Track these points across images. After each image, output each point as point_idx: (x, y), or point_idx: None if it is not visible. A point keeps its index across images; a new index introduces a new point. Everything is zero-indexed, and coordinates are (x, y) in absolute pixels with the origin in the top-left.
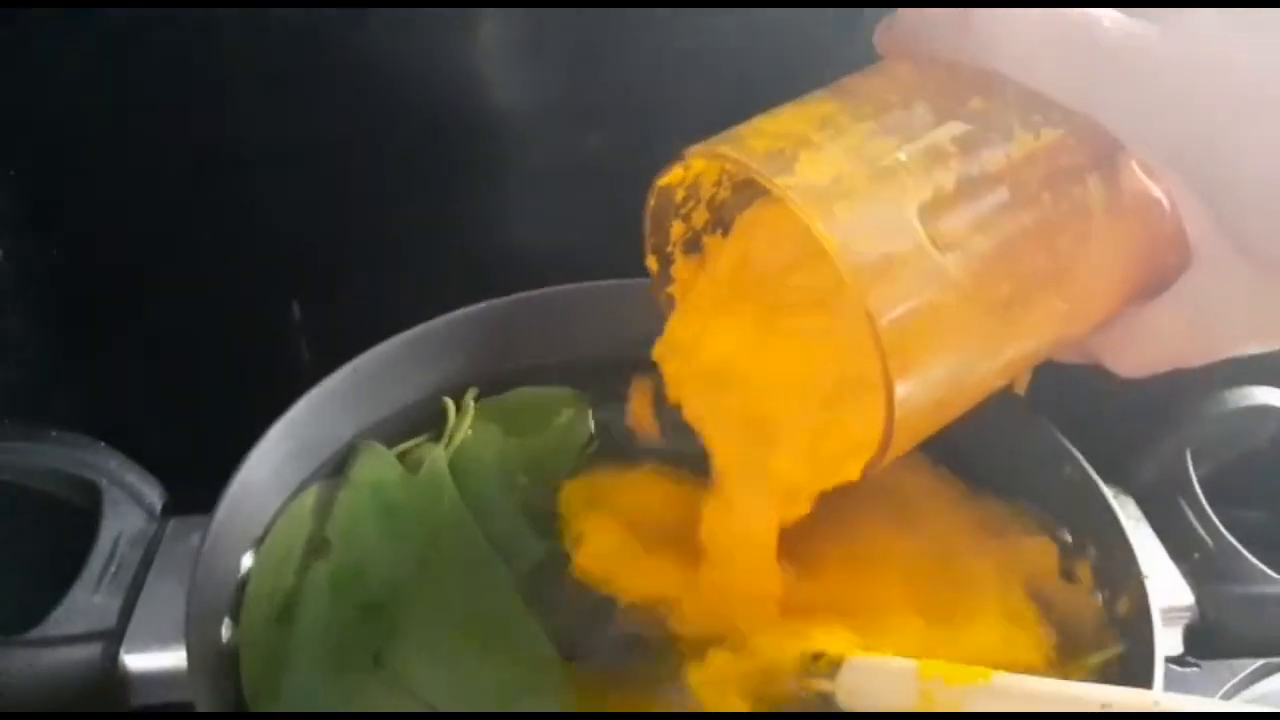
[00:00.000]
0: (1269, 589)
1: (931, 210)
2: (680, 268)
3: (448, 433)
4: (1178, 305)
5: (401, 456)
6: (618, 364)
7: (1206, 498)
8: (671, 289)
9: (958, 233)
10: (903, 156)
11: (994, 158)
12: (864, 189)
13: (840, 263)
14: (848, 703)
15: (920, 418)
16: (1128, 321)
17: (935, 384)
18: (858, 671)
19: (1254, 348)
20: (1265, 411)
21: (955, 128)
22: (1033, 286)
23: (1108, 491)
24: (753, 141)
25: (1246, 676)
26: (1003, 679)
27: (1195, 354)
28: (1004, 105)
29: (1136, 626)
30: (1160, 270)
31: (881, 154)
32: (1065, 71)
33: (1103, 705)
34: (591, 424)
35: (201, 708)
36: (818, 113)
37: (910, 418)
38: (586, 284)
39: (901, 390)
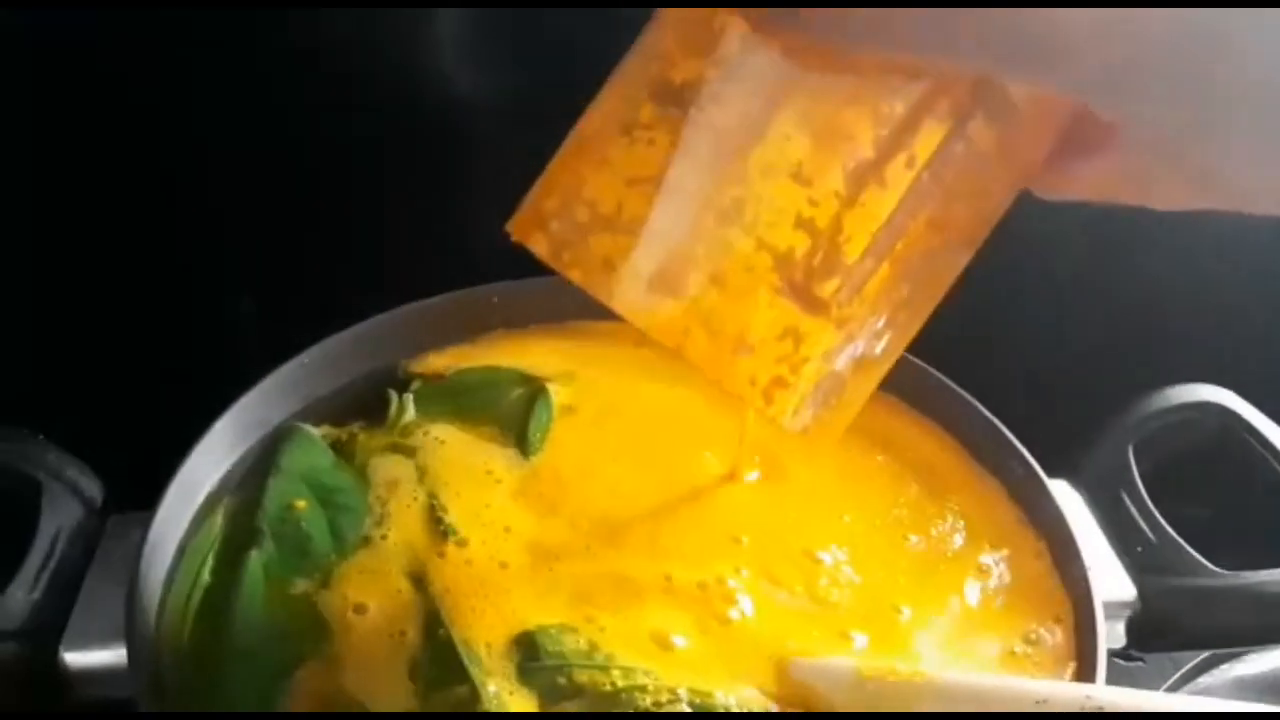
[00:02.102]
0: (1211, 582)
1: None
2: None
3: (390, 419)
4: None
5: (334, 444)
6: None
7: (1150, 493)
8: None
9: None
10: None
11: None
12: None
13: (735, 388)
14: (801, 703)
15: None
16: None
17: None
18: (802, 670)
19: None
20: (1207, 408)
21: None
22: (933, 265)
23: (1053, 486)
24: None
25: (1190, 670)
26: (940, 676)
27: (1125, 195)
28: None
29: (1080, 619)
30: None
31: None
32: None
33: (1037, 702)
34: (554, 402)
35: (143, 707)
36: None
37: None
38: (536, 279)
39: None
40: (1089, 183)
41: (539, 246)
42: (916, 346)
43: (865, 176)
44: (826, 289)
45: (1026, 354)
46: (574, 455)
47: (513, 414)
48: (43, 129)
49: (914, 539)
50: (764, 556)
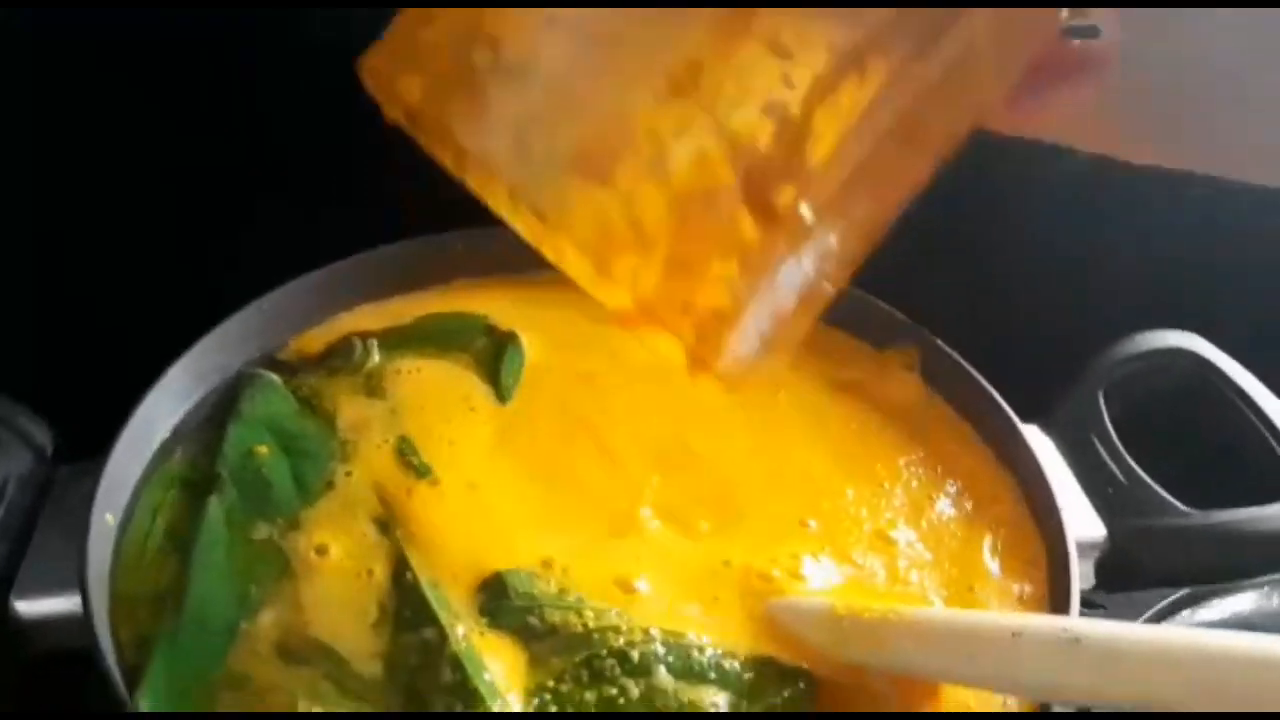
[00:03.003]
0: (1181, 521)
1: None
2: None
3: (355, 363)
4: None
5: (295, 390)
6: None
7: (1120, 438)
8: None
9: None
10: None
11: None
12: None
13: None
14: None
15: None
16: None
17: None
18: (777, 610)
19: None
20: (1177, 353)
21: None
22: (891, 182)
23: (1026, 430)
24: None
25: (1152, 616)
26: (914, 611)
27: (1094, 137)
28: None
29: (1054, 558)
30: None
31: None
32: None
33: (1014, 635)
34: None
35: (102, 654)
36: None
37: None
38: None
39: None
40: (1060, 115)
41: (404, 95)
42: (887, 294)
43: (847, 64)
44: (784, 197)
45: (997, 302)
46: (548, 404)
47: (484, 358)
48: None
49: (886, 485)
50: (737, 503)
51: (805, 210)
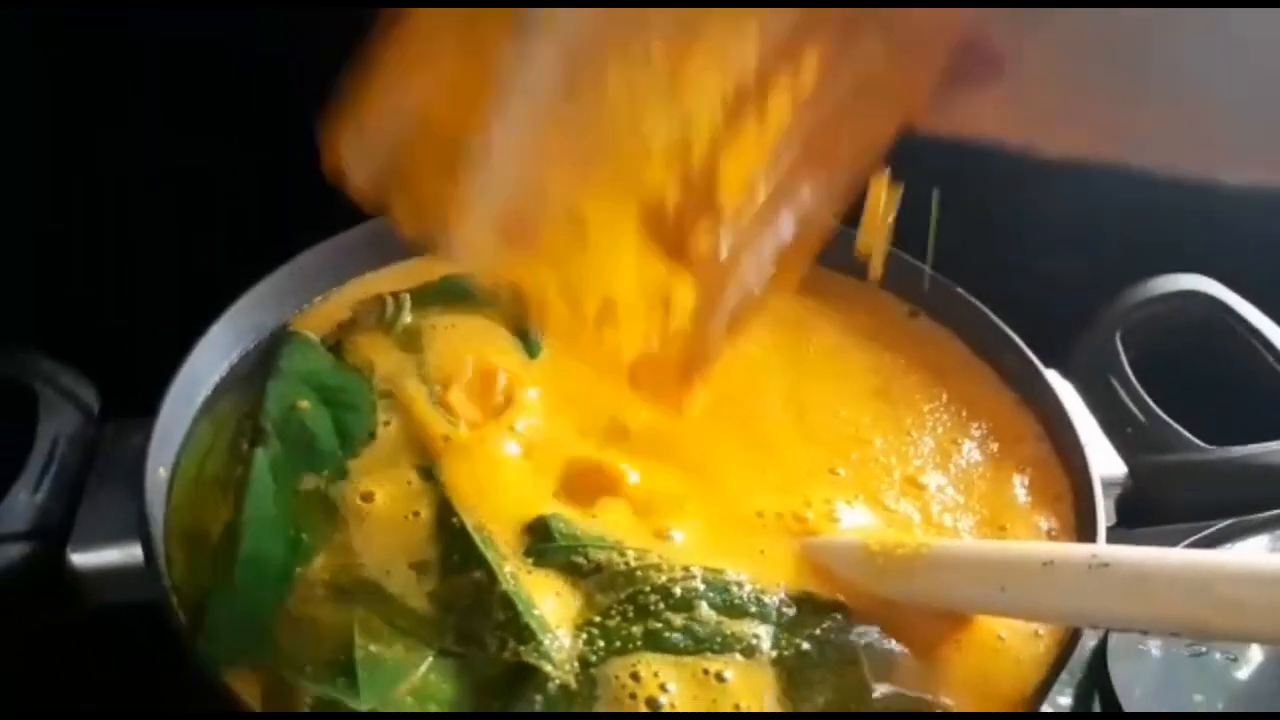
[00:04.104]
0: (1199, 456)
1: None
2: None
3: (387, 319)
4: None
5: (332, 347)
6: None
7: (1139, 379)
8: None
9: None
10: None
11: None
12: None
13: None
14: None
15: None
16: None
17: None
18: (813, 549)
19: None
20: (1189, 295)
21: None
22: (814, 203)
23: (1049, 374)
24: None
25: None
26: (946, 544)
27: (1014, 134)
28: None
29: (1079, 492)
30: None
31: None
32: None
33: (1044, 564)
34: None
35: (168, 594)
36: None
37: None
38: None
39: None
40: (976, 116)
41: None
42: (911, 246)
43: (744, 107)
44: (703, 241)
45: (1015, 251)
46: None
47: (511, 314)
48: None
49: (914, 433)
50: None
51: (724, 248)
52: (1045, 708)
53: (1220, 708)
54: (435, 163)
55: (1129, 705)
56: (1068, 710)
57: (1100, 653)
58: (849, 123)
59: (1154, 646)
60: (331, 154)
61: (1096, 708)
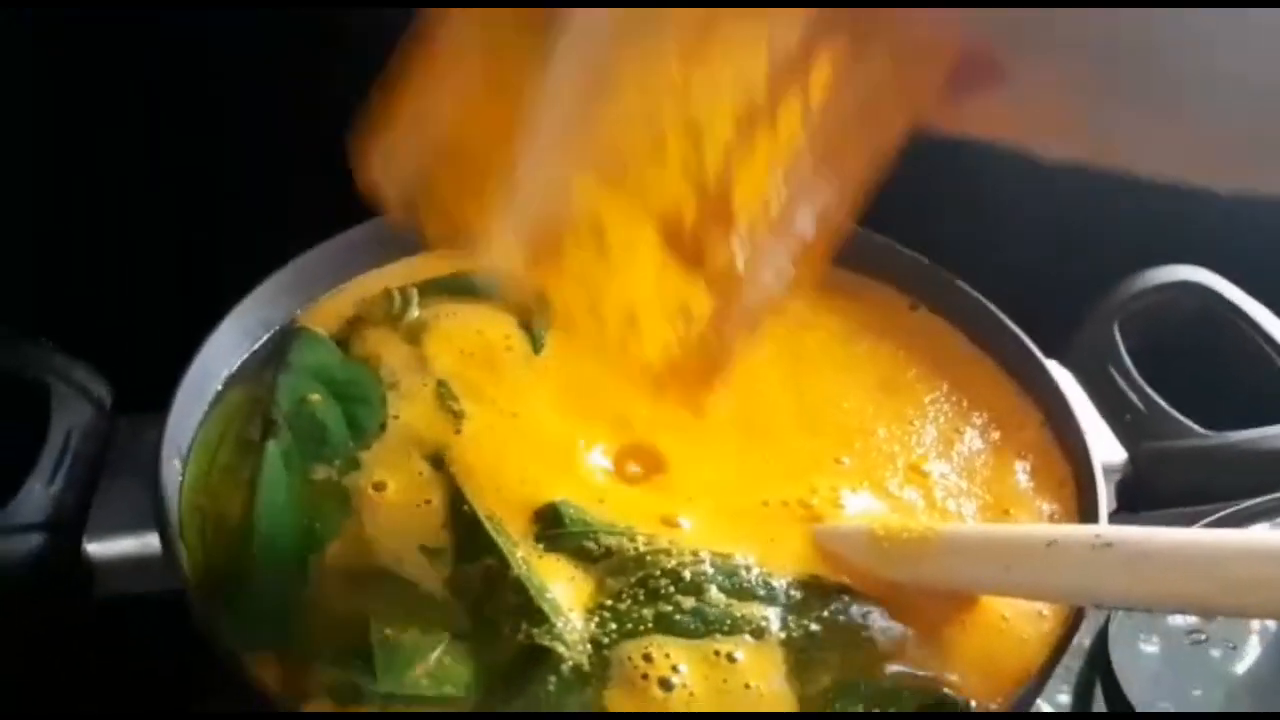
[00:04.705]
0: (1198, 442)
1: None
2: None
3: (394, 313)
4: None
5: (340, 341)
6: None
7: (1136, 366)
8: None
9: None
10: None
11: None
12: None
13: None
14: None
15: None
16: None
17: None
18: (824, 536)
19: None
20: (1185, 286)
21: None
22: (826, 208)
23: (1049, 364)
24: None
25: None
26: (951, 529)
27: (1012, 136)
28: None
29: (1081, 478)
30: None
31: None
32: None
33: (1048, 545)
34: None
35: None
36: None
37: None
38: None
39: None
40: (977, 118)
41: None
42: (907, 239)
43: (757, 118)
44: (719, 252)
45: (1013, 243)
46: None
47: (516, 307)
48: (42, 34)
49: (916, 422)
50: (770, 442)
51: (740, 256)
52: (1045, 707)
53: (1220, 697)
54: (463, 177)
55: (1129, 693)
56: (1067, 707)
57: (1101, 642)
58: (859, 128)
59: (1154, 636)
60: (364, 171)
61: (1098, 698)
